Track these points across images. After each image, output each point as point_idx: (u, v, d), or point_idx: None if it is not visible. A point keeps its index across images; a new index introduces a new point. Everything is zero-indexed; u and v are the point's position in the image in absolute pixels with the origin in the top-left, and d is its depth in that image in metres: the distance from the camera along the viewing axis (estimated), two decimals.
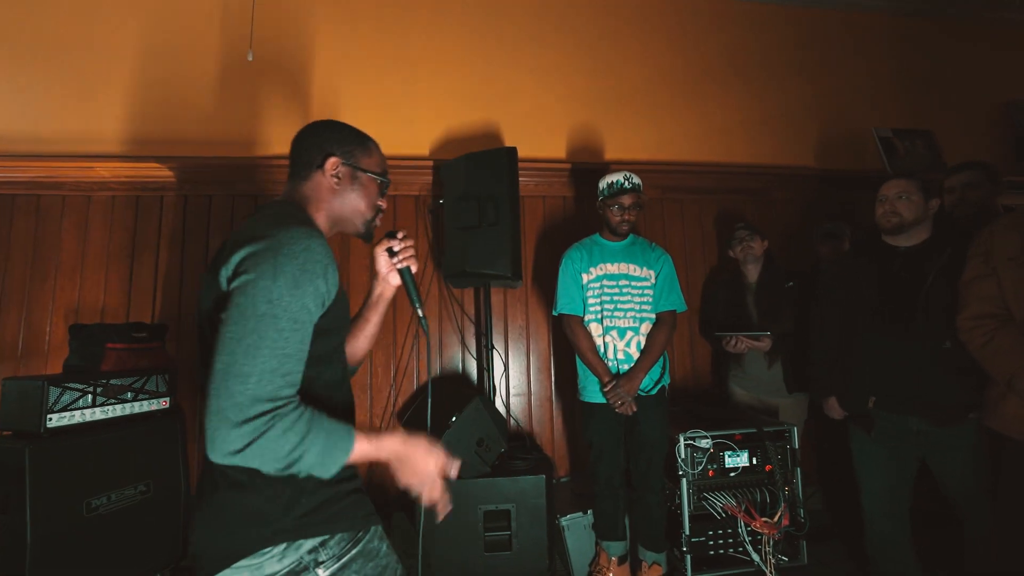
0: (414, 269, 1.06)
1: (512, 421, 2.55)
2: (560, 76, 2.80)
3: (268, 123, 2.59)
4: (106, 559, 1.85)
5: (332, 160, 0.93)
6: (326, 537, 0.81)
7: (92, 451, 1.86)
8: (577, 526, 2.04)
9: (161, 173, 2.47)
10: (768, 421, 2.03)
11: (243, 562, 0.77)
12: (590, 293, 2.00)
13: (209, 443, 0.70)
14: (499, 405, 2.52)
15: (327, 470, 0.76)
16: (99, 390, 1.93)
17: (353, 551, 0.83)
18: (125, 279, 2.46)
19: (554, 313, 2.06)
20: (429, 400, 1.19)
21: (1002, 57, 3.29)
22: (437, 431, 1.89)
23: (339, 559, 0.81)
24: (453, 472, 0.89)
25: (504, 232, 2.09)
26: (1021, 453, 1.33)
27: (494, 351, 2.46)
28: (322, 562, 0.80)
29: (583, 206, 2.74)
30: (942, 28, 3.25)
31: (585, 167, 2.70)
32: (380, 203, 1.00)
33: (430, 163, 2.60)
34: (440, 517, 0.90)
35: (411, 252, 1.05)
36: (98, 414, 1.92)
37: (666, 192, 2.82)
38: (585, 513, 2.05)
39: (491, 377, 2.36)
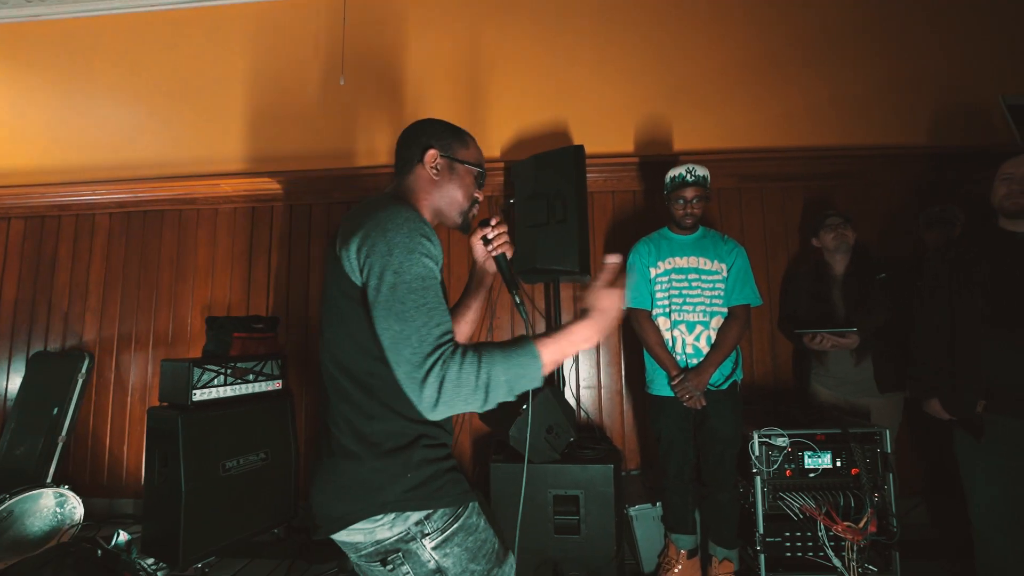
0: (509, 255, 1.07)
1: (582, 413, 2.61)
2: (625, 68, 2.78)
3: (355, 138, 2.87)
4: (237, 513, 2.22)
5: (431, 152, 0.97)
6: (430, 512, 0.86)
7: (224, 422, 2.23)
8: (646, 517, 2.07)
9: (271, 186, 2.85)
10: (855, 422, 1.90)
11: (357, 525, 0.85)
12: (658, 287, 2.01)
13: (421, 409, 0.77)
14: (569, 397, 2.59)
15: (528, 381, 0.80)
16: (229, 371, 2.30)
17: (455, 525, 0.88)
18: (245, 278, 2.88)
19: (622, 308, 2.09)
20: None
21: None
22: (508, 419, 2.01)
23: (442, 532, 0.87)
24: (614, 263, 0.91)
25: (572, 228, 2.15)
26: None
27: None
28: (427, 534, 0.86)
29: (653, 199, 2.71)
30: None
31: (654, 160, 2.67)
32: (477, 194, 1.03)
33: (501, 164, 2.72)
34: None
35: (505, 239, 1.06)
36: (228, 392, 2.30)
37: (743, 181, 2.70)
38: (654, 505, 2.07)
39: (560, 369, 2.44)
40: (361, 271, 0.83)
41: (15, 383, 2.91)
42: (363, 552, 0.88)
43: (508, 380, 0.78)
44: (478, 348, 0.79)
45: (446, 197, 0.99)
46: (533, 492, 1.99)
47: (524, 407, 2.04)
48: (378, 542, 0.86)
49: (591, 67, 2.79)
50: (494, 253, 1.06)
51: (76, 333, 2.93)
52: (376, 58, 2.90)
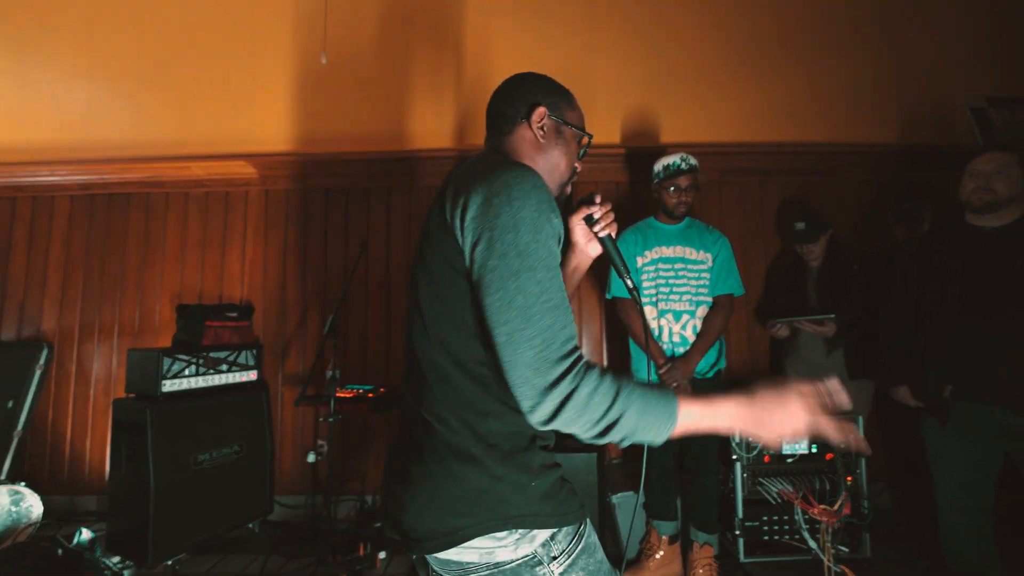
0: (614, 235, 0.94)
1: None
2: (613, 58, 2.78)
3: (337, 121, 2.78)
4: (210, 508, 2.14)
5: (540, 110, 0.86)
6: (555, 530, 0.74)
7: (196, 414, 2.15)
8: (628, 504, 2.09)
9: (246, 170, 2.74)
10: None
11: (473, 543, 0.72)
12: (645, 276, 2.02)
13: (526, 413, 0.66)
14: None
15: (655, 435, 0.67)
16: (201, 361, 2.21)
17: (579, 547, 0.76)
18: (218, 265, 2.77)
19: (607, 296, 2.10)
20: None
21: None
22: None
23: (569, 555, 0.75)
24: (842, 399, 0.71)
25: (566, 211, 2.14)
26: None
27: None
28: (555, 557, 0.74)
29: (637, 191, 2.73)
30: None
31: (640, 151, 2.68)
32: (577, 165, 0.92)
33: None
34: (865, 450, 0.74)
35: (612, 217, 0.93)
36: (200, 382, 2.21)
37: (724, 175, 2.74)
38: (636, 493, 2.10)
39: None
40: (475, 243, 0.70)
41: None
42: (472, 575, 0.75)
43: (634, 428, 0.67)
44: (618, 378, 0.68)
45: (549, 163, 0.88)
46: None
47: None
48: (496, 565, 0.73)
49: (578, 56, 2.77)
50: (601, 234, 0.92)
51: (33, 322, 2.77)
52: (358, 40, 2.81)
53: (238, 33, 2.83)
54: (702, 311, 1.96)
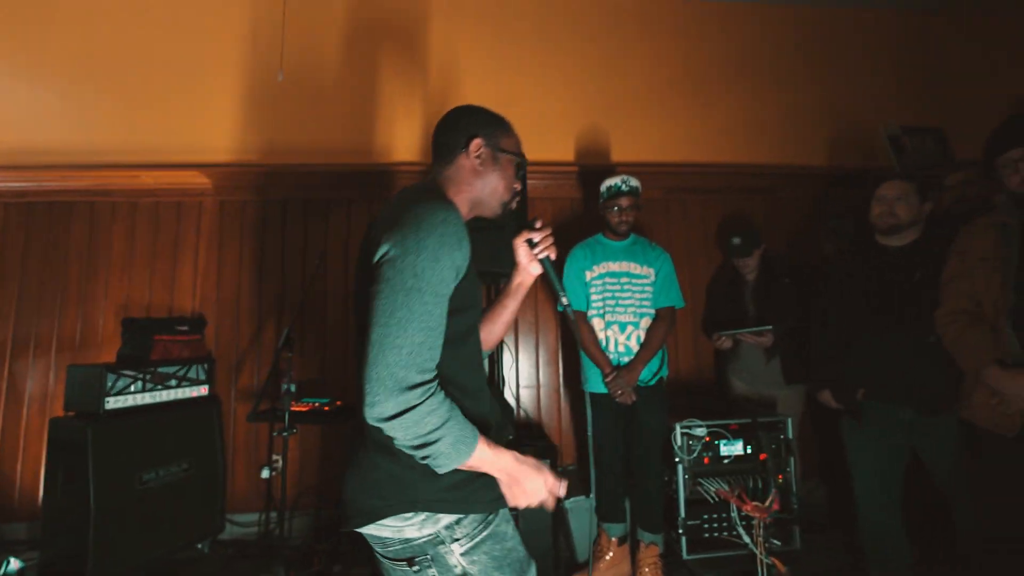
0: (553, 257, 1.05)
1: (522, 412, 2.68)
2: (569, 79, 2.92)
3: (292, 133, 2.78)
4: (156, 529, 2.07)
5: (476, 141, 0.95)
6: (461, 516, 0.84)
7: (142, 431, 2.09)
8: (580, 509, 2.17)
9: (199, 180, 2.69)
10: (763, 412, 2.12)
11: (386, 521, 0.83)
12: (593, 290, 2.12)
13: (367, 405, 0.74)
14: (509, 396, 2.66)
15: (449, 463, 0.78)
16: (148, 377, 2.15)
17: (484, 532, 0.86)
18: (168, 277, 2.69)
19: (559, 309, 2.19)
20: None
21: (1014, 51, 3.26)
22: None
23: (472, 539, 0.84)
24: (562, 491, 0.91)
25: (511, 233, 2.21)
26: (991, 442, 1.41)
27: (504, 345, 2.60)
28: (457, 539, 0.84)
29: (591, 207, 2.85)
30: (952, 23, 3.24)
31: (592, 169, 2.81)
32: (516, 185, 1.02)
33: None
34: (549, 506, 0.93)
35: (550, 241, 1.04)
36: (147, 399, 2.15)
37: (670, 192, 2.91)
38: (588, 497, 2.18)
39: (501, 369, 2.50)
40: (382, 256, 0.80)
41: None
42: (390, 548, 0.87)
43: (445, 452, 0.77)
44: (452, 407, 0.78)
45: (488, 187, 0.98)
46: None
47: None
48: (406, 541, 0.85)
49: (534, 75, 2.89)
50: (540, 256, 1.03)
51: None
52: (317, 52, 2.83)
53: (195, 39, 2.80)
54: (646, 323, 2.08)
